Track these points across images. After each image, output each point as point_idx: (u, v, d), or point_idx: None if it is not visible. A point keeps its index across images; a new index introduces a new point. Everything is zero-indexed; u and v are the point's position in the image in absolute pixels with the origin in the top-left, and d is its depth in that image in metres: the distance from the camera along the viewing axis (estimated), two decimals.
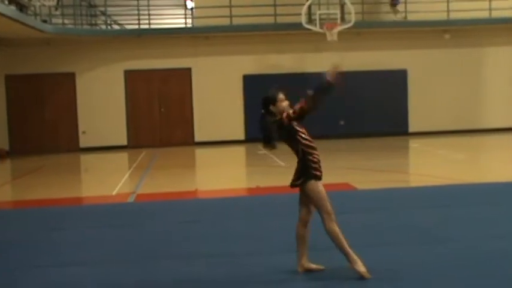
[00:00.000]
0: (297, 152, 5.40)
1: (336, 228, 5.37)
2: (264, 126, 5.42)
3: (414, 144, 19.03)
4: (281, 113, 5.39)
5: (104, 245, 7.05)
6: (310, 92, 5.28)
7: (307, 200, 5.48)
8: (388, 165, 14.19)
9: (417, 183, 10.96)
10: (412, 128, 21.06)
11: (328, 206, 5.38)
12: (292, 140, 5.40)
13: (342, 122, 20.72)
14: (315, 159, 5.38)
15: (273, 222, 7.73)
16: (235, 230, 7.32)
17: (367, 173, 12.73)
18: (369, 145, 18.65)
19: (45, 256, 6.64)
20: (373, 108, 20.78)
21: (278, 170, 13.35)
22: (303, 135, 5.40)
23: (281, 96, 5.45)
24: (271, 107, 5.42)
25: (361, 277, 5.30)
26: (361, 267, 5.34)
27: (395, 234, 7.04)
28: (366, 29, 20.33)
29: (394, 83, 20.95)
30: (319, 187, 5.39)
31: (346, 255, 5.37)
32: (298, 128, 5.39)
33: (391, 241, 6.74)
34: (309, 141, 5.40)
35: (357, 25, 19.01)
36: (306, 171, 5.37)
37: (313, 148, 5.41)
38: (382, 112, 20.81)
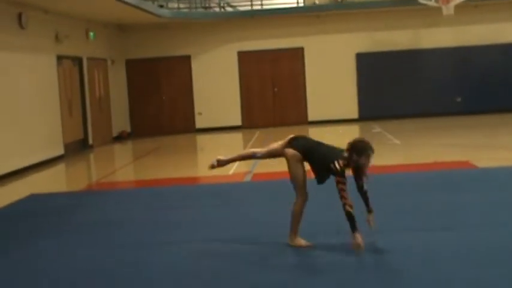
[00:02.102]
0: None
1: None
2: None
3: None
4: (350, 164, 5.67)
5: (220, 223, 7.24)
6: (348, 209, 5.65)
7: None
8: (509, 142, 13.68)
9: None
10: None
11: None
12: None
13: (458, 99, 20.11)
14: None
15: (388, 200, 7.64)
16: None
17: (488, 151, 12.33)
18: (487, 122, 18.01)
19: (162, 234, 6.85)
20: (492, 84, 20.01)
21: (392, 147, 13.19)
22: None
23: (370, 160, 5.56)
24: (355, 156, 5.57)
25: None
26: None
27: None
28: (484, 1, 19.53)
29: None
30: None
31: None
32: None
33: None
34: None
35: None
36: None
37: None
38: (502, 87, 20.00)
